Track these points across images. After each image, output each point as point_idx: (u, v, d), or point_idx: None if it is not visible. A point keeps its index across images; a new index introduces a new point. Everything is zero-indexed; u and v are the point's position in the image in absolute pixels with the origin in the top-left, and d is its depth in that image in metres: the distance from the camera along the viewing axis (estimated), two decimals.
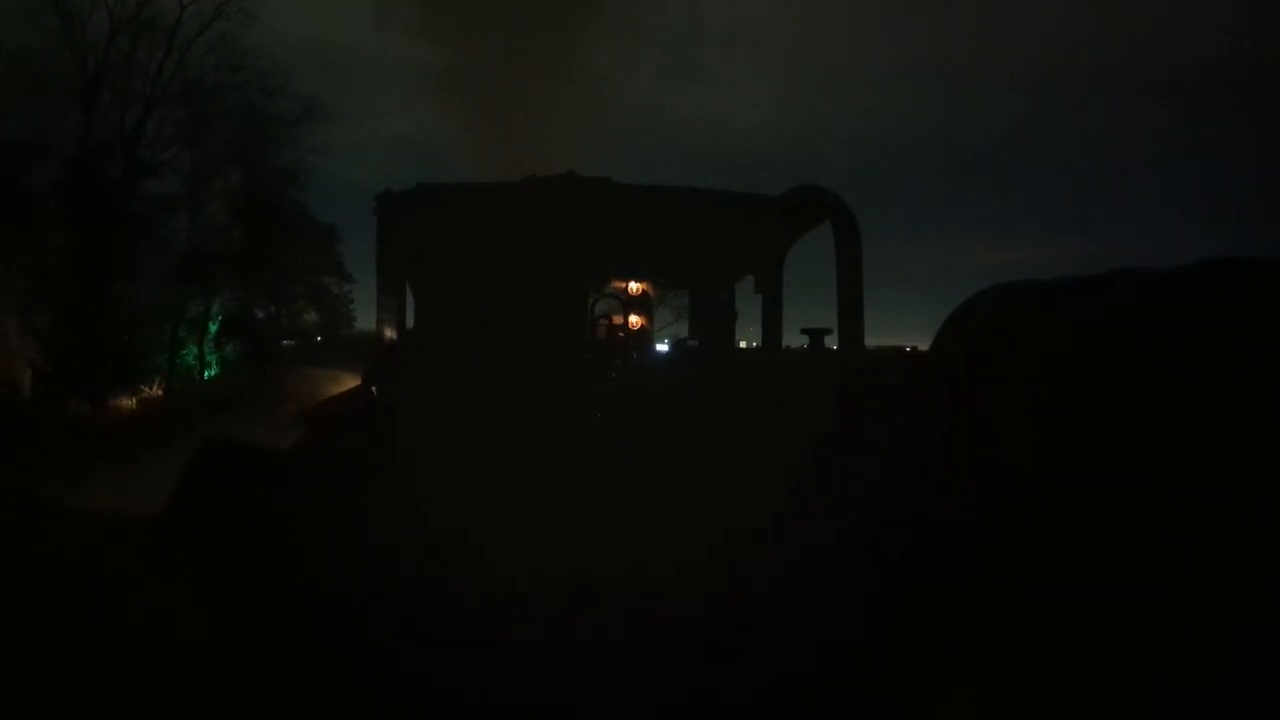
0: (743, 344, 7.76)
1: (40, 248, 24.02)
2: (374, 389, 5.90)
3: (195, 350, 30.59)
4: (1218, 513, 2.89)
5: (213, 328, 30.87)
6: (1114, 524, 3.11)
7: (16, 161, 23.68)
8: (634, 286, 7.88)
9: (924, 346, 5.48)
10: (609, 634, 4.51)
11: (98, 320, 24.21)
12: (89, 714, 5.19)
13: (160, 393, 26.99)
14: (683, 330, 8.06)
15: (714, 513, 4.76)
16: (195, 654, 4.75)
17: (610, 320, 7.74)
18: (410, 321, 6.51)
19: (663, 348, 7.95)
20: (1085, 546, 3.15)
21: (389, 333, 6.38)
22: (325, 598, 4.36)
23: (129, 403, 25.18)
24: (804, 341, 6.21)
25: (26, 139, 23.72)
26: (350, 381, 6.10)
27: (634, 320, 7.89)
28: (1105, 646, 3.02)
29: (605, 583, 4.59)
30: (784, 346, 6.96)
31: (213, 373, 31.45)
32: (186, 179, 29.74)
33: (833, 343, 5.87)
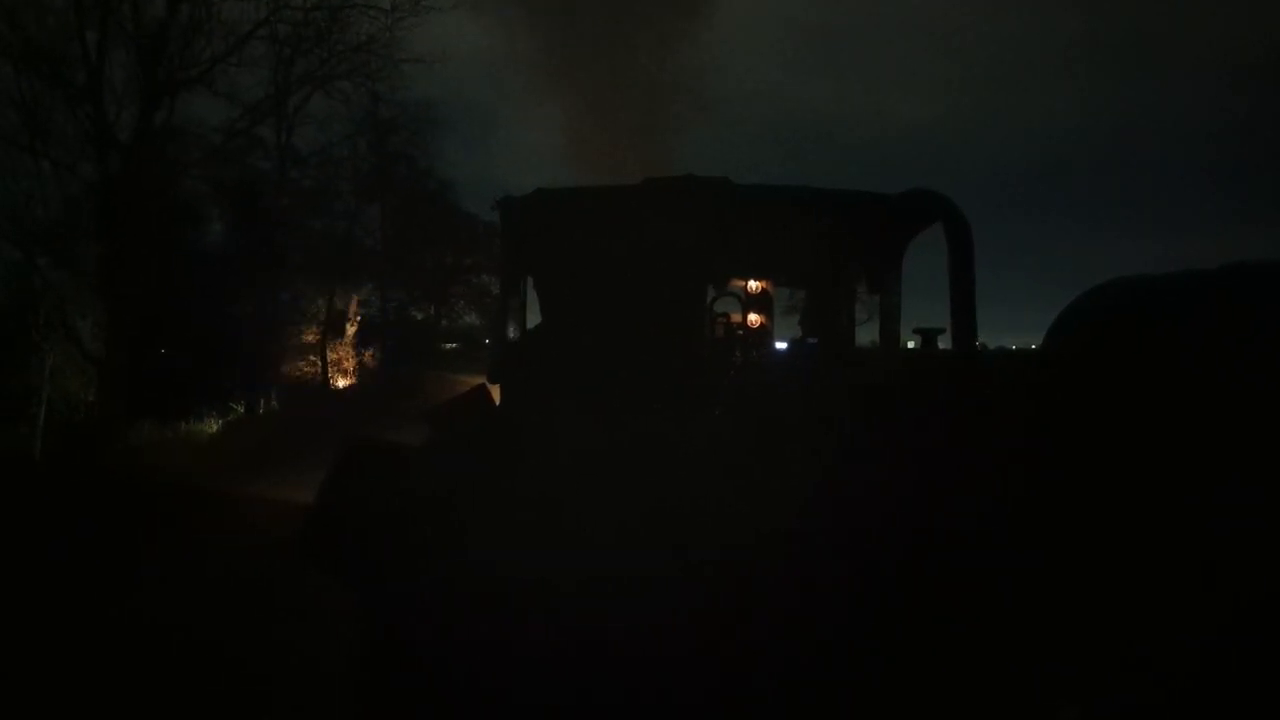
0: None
1: (92, 238, 20.22)
2: (495, 388, 6.12)
3: (318, 357, 27.85)
4: None
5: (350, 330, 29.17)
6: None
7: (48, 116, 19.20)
8: (753, 285, 7.90)
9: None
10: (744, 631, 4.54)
11: (154, 330, 20.51)
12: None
13: (242, 411, 24.22)
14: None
15: (831, 512, 4.74)
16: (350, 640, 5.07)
17: (729, 318, 7.79)
18: (532, 322, 6.71)
19: (782, 345, 7.95)
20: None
21: (511, 333, 6.60)
22: (438, 592, 4.57)
23: (208, 426, 22.33)
24: (919, 341, 6.11)
25: (45, 67, 19.02)
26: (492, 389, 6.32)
27: (753, 318, 7.92)
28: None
29: (728, 580, 4.62)
30: (905, 346, 6.85)
31: (347, 381, 29.23)
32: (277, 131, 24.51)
33: (945, 343, 5.75)
